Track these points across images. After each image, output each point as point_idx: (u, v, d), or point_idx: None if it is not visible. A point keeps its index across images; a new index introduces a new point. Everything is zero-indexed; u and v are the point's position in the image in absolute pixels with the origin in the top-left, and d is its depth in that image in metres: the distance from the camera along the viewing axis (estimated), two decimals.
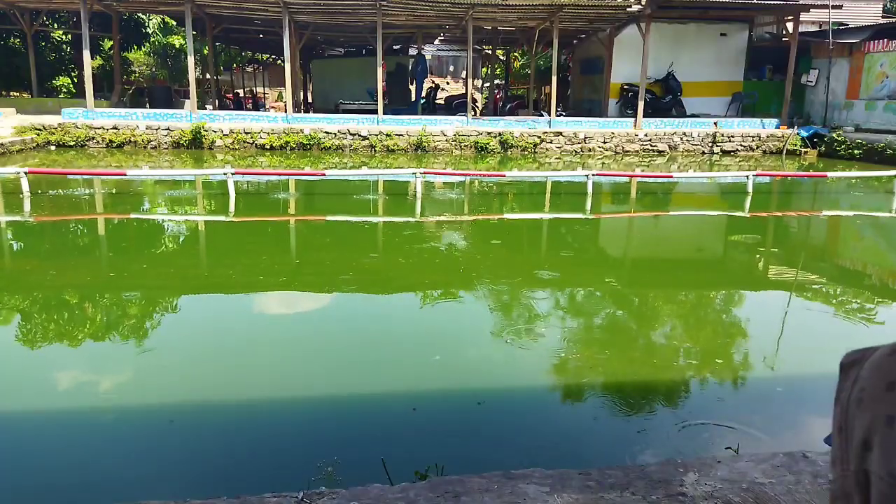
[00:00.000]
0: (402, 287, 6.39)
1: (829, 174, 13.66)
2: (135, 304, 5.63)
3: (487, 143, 18.16)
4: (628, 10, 18.30)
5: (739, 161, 17.86)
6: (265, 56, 33.37)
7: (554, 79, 19.86)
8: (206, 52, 25.37)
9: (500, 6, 17.83)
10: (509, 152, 18.23)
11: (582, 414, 3.69)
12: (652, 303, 6.18)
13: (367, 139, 17.91)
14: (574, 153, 18.52)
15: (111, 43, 23.21)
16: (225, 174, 10.34)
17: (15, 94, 25.54)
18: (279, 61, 30.04)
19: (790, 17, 19.78)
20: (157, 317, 5.41)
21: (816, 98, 20.49)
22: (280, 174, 13.29)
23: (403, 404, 3.83)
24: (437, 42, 28.61)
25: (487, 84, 33.27)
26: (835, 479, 0.54)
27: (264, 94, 34.42)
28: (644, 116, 19.27)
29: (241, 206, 10.20)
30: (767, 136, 19.21)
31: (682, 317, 5.75)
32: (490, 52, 29.67)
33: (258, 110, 24.85)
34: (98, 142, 17.44)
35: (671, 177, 14.25)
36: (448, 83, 38.59)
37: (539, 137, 18.46)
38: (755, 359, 4.59)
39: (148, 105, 20.89)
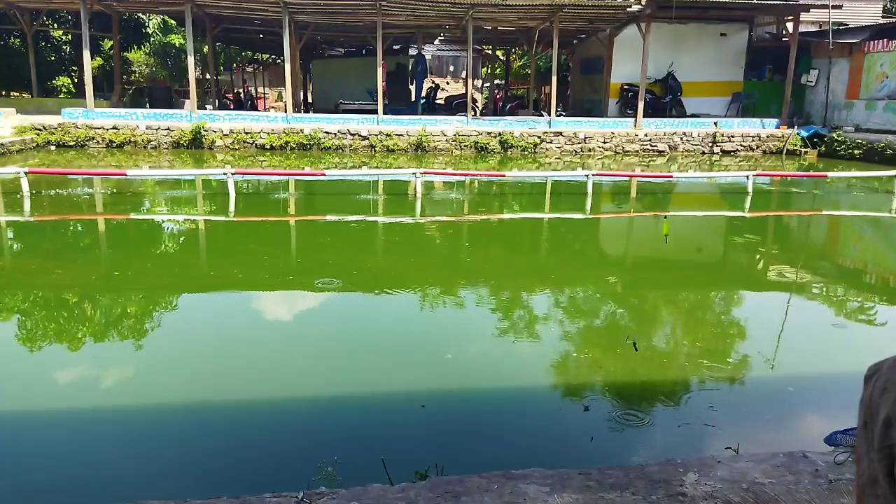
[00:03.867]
0: (400, 287, 6.38)
1: (829, 174, 13.66)
2: (136, 304, 5.63)
3: (487, 143, 18.16)
4: (628, 10, 18.30)
5: (739, 161, 17.86)
6: (265, 56, 33.35)
7: (554, 79, 19.87)
8: (206, 52, 25.37)
9: (500, 6, 17.83)
10: (509, 152, 18.23)
11: (582, 414, 3.69)
12: (652, 303, 6.19)
13: (367, 139, 17.91)
14: (574, 153, 18.52)
15: (111, 43, 23.21)
16: (225, 174, 10.35)
17: (15, 94, 25.53)
18: (279, 61, 30.01)
19: (790, 17, 19.78)
20: (157, 317, 5.41)
21: (816, 98, 20.48)
22: (280, 174, 13.29)
23: (403, 404, 3.83)
24: (437, 42, 28.60)
25: (487, 84, 33.27)
26: (861, 472, 0.60)
27: (264, 94, 34.39)
28: (644, 116, 19.26)
29: (242, 206, 10.20)
30: (767, 137, 19.21)
31: (682, 317, 5.75)
32: (490, 52, 29.67)
33: (255, 108, 24.87)
34: (98, 142, 17.43)
35: (671, 177, 14.25)
36: (448, 83, 38.55)
37: (539, 137, 18.46)
38: (755, 359, 4.59)
39: (148, 105, 20.88)
